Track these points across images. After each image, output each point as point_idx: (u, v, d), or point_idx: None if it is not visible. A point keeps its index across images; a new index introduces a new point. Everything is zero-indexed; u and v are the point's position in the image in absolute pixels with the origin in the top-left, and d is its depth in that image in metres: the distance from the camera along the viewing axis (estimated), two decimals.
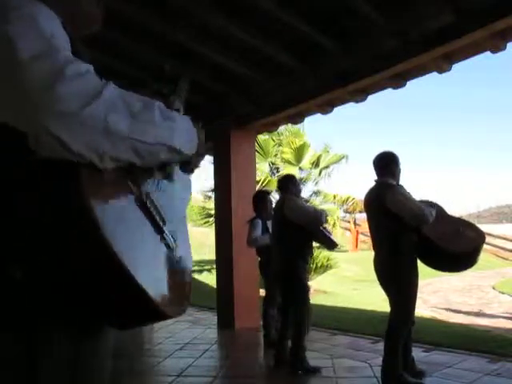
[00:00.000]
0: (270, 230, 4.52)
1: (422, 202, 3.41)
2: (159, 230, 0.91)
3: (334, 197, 12.24)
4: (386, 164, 3.42)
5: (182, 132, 0.88)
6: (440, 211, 3.39)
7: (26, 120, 0.68)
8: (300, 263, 3.88)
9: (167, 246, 0.93)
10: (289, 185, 4.12)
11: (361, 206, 10.42)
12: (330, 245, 4.27)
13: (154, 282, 0.82)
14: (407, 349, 3.38)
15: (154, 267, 0.87)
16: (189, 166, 1.04)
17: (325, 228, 4.15)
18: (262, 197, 4.96)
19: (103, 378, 0.91)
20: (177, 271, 0.97)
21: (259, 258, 4.97)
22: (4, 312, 0.77)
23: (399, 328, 3.24)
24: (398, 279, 3.22)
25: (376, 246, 3.43)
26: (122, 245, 0.74)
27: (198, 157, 1.02)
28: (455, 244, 3.22)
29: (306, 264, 4.03)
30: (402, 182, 3.50)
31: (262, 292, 5.39)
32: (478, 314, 7.95)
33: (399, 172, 3.47)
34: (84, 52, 0.91)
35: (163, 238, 0.92)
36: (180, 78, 1.11)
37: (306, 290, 3.90)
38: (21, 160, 0.72)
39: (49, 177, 0.73)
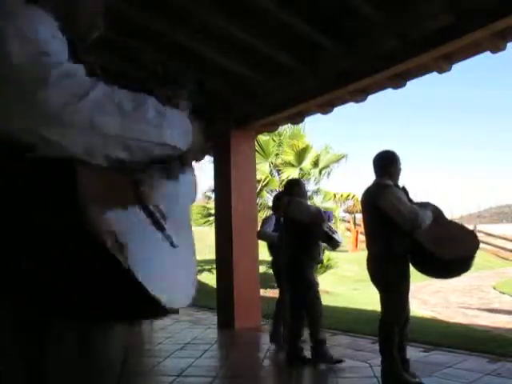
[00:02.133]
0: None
1: (420, 204, 3.34)
2: (161, 229, 0.91)
3: (335, 195, 12.25)
4: (385, 164, 3.38)
5: (175, 126, 0.89)
6: (438, 214, 3.34)
7: (19, 125, 0.72)
8: (305, 261, 4.05)
9: (171, 244, 0.93)
10: (295, 188, 4.35)
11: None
12: (333, 244, 4.35)
13: (158, 279, 0.82)
14: (402, 349, 3.33)
15: (158, 265, 0.87)
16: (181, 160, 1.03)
17: (330, 227, 4.31)
18: (279, 197, 5.12)
19: (113, 376, 0.92)
20: (180, 269, 0.97)
21: (271, 257, 5.01)
22: (13, 311, 0.79)
23: (388, 329, 3.20)
24: (387, 280, 3.19)
25: (369, 246, 3.42)
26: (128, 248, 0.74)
27: (193, 154, 1.02)
28: (448, 250, 3.13)
29: (313, 262, 4.19)
30: (402, 182, 3.46)
31: (262, 292, 5.40)
32: (478, 314, 7.95)
33: (399, 172, 3.42)
34: (86, 54, 0.94)
35: (165, 237, 0.92)
36: (187, 78, 1.12)
37: (312, 286, 4.03)
38: (18, 158, 0.73)
39: (47, 177, 0.74)
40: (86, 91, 0.74)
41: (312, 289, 4.02)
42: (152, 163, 0.89)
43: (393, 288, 3.19)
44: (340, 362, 3.97)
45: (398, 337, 3.22)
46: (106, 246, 0.72)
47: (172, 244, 0.93)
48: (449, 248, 3.13)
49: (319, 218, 4.03)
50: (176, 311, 0.87)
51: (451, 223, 3.54)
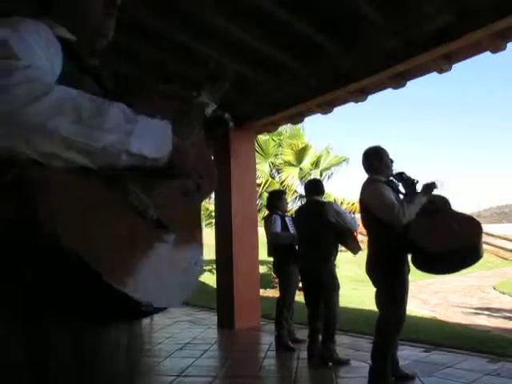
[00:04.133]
0: (291, 230, 4.67)
1: (424, 188, 3.18)
2: (157, 230, 0.91)
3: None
4: (370, 160, 3.32)
5: (146, 136, 0.89)
6: (443, 205, 3.17)
7: None
8: (330, 263, 4.17)
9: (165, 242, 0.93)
10: (321, 188, 4.44)
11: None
12: (357, 249, 4.36)
13: (141, 280, 0.83)
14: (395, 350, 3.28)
15: (155, 268, 0.87)
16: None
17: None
18: (279, 195, 5.11)
19: (114, 374, 0.96)
20: (171, 268, 0.96)
21: (272, 258, 4.97)
22: (15, 312, 0.81)
23: (385, 331, 3.12)
24: (382, 281, 3.12)
25: (368, 244, 3.36)
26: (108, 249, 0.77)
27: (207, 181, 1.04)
28: (447, 242, 2.94)
29: (334, 261, 4.29)
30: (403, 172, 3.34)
31: (262, 292, 5.40)
32: (479, 314, 7.95)
33: (386, 166, 3.31)
34: (93, 58, 1.03)
35: (161, 237, 0.92)
36: (223, 74, 1.14)
37: (337, 284, 4.16)
38: None
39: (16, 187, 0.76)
40: (45, 93, 0.76)
41: (338, 289, 4.17)
42: (130, 170, 0.89)
43: (388, 289, 3.11)
44: (347, 362, 4.01)
45: (395, 339, 3.16)
46: (73, 255, 0.73)
47: (162, 240, 0.93)
48: (447, 240, 2.96)
49: (354, 226, 4.12)
50: (161, 310, 0.88)
51: (457, 215, 3.22)
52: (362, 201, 3.27)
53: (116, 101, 0.87)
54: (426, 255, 2.98)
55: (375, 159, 3.31)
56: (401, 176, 3.35)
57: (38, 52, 0.84)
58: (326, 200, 4.29)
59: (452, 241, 2.95)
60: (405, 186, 3.33)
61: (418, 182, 3.32)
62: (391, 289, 3.09)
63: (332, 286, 4.12)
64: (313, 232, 4.22)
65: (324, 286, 4.12)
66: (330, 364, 3.98)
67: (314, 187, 4.46)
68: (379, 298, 3.18)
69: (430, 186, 3.20)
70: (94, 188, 0.83)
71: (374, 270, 3.18)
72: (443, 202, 3.23)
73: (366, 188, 3.23)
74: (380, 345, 3.13)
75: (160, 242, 0.92)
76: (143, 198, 0.91)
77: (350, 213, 4.11)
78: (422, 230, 3.02)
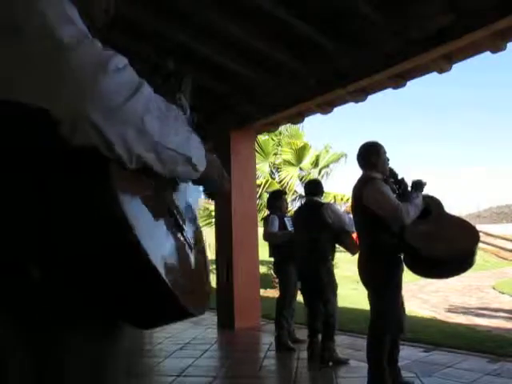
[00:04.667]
0: (289, 228, 4.70)
1: (425, 196, 3.11)
2: (180, 229, 0.91)
3: (334, 197, 12.24)
4: (366, 155, 3.14)
5: (197, 144, 0.85)
6: (437, 208, 3.09)
7: (67, 106, 0.66)
8: (328, 263, 4.21)
9: (188, 245, 0.93)
10: (320, 189, 4.46)
11: None
12: (355, 249, 4.33)
13: (179, 279, 0.81)
14: (393, 359, 3.10)
15: (179, 266, 0.86)
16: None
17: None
18: (279, 195, 5.14)
19: (117, 378, 0.89)
20: (196, 271, 0.97)
21: (273, 259, 4.98)
22: (22, 313, 0.74)
23: (378, 337, 2.97)
24: (375, 283, 2.98)
25: (360, 245, 3.24)
26: (150, 245, 0.71)
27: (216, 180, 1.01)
28: (443, 247, 2.86)
29: (332, 261, 4.33)
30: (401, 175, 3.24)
31: (262, 292, 5.41)
32: (478, 314, 7.94)
33: (384, 162, 3.15)
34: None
35: (184, 238, 0.92)
36: (184, 76, 1.11)
37: (335, 284, 4.19)
38: (53, 148, 0.69)
39: (78, 171, 0.70)
40: (138, 87, 0.71)
41: (336, 289, 4.18)
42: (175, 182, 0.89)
43: (381, 291, 2.97)
44: (346, 362, 4.02)
45: (389, 345, 2.99)
46: (134, 244, 0.68)
47: (190, 246, 0.92)
48: (443, 245, 2.88)
49: (350, 227, 4.11)
50: (199, 314, 0.87)
51: (452, 218, 3.20)
52: (358, 199, 3.07)
53: None
54: (421, 257, 2.88)
55: (373, 155, 3.13)
56: (395, 176, 3.24)
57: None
58: (324, 201, 4.33)
59: (451, 246, 2.88)
60: (397, 185, 3.25)
61: (402, 178, 3.27)
62: (387, 292, 2.97)
63: (330, 286, 4.13)
64: (311, 232, 4.24)
65: (322, 287, 4.13)
66: (330, 364, 3.98)
67: (313, 188, 4.48)
68: (375, 303, 3.04)
69: (421, 184, 3.12)
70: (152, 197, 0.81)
71: (369, 271, 3.05)
72: (437, 203, 3.15)
73: (364, 186, 3.03)
74: (374, 353, 2.98)
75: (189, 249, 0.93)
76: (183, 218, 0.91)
77: (348, 214, 4.09)
78: (419, 233, 2.92)
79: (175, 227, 0.88)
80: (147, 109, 0.71)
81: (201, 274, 1.00)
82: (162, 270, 0.72)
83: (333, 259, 4.32)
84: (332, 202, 4.37)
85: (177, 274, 0.81)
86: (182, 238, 0.90)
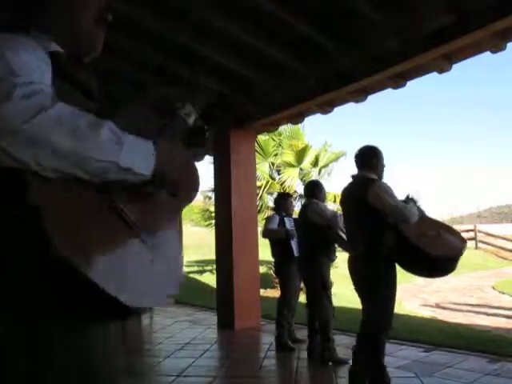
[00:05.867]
0: (287, 226, 4.76)
1: (407, 199, 3.22)
2: (134, 233, 0.94)
3: (335, 197, 12.24)
4: (367, 157, 3.23)
5: (135, 152, 0.92)
6: (422, 213, 3.19)
7: None
8: (320, 261, 4.20)
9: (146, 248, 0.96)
10: (316, 191, 4.47)
11: None
12: (346, 246, 4.34)
13: (121, 280, 0.86)
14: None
15: (119, 267, 0.90)
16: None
17: (343, 230, 4.32)
18: (284, 197, 5.25)
19: (112, 373, 0.97)
20: (153, 269, 0.99)
21: (274, 259, 5.02)
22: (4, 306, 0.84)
23: (376, 339, 2.97)
24: (372, 284, 2.98)
25: (352, 244, 3.26)
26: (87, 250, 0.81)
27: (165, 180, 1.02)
28: (434, 247, 2.95)
29: (328, 262, 4.31)
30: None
31: (262, 292, 5.41)
32: (478, 314, 7.95)
33: (382, 168, 3.27)
34: (80, 71, 1.03)
35: (141, 241, 0.95)
36: (196, 87, 1.18)
37: (325, 285, 4.17)
38: None
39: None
40: (45, 108, 0.79)
41: (327, 290, 4.17)
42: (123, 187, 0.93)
43: (378, 293, 2.98)
44: (346, 362, 3.99)
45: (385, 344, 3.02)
46: (70, 264, 0.76)
47: (143, 241, 0.96)
48: (435, 245, 2.98)
49: (333, 222, 4.15)
50: (143, 310, 0.93)
51: (434, 221, 3.37)
52: (360, 198, 3.07)
53: (104, 113, 0.90)
54: (415, 253, 2.97)
55: (374, 156, 3.23)
56: None
57: (33, 67, 0.86)
58: (310, 200, 4.37)
59: (442, 247, 3.02)
60: None
61: None
62: (384, 293, 2.99)
63: (320, 286, 4.15)
64: (303, 232, 4.35)
65: (312, 288, 4.21)
66: (330, 364, 3.98)
67: (311, 189, 4.52)
68: (370, 305, 3.05)
69: (413, 199, 3.25)
70: (86, 199, 0.87)
71: (365, 271, 3.05)
72: (420, 210, 3.24)
73: (366, 186, 3.06)
74: (373, 356, 3.00)
75: (143, 245, 0.96)
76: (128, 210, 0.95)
77: (339, 214, 4.09)
78: (414, 229, 3.03)
79: (121, 224, 0.93)
80: (57, 125, 0.79)
81: (161, 271, 1.01)
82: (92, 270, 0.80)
83: (331, 259, 4.32)
84: (315, 201, 4.37)
85: (117, 275, 0.87)
86: (128, 232, 0.94)
